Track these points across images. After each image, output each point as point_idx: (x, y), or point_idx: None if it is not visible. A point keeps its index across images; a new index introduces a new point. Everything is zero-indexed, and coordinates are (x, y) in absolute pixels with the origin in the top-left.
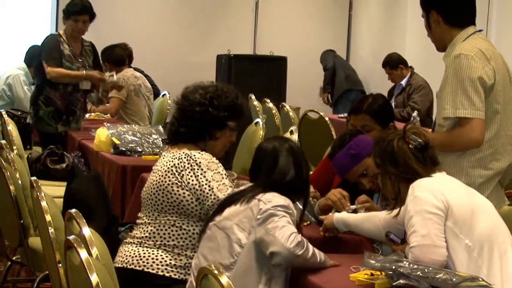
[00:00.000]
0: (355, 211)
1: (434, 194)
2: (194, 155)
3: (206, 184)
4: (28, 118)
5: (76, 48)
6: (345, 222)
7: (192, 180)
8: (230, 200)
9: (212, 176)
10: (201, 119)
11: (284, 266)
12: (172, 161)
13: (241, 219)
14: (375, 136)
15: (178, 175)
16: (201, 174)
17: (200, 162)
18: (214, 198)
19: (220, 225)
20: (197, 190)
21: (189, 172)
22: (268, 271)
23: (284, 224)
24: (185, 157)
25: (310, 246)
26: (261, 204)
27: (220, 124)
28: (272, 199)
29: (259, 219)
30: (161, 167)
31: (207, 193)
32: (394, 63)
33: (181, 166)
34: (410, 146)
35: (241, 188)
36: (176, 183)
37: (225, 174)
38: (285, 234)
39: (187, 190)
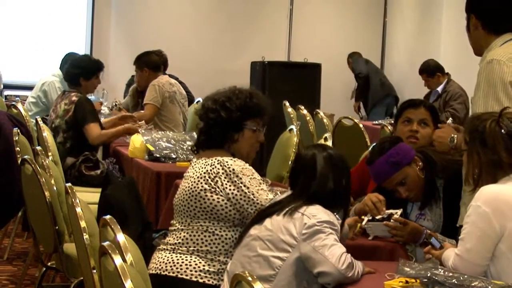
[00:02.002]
0: (390, 216)
1: (495, 213)
2: (227, 162)
3: (246, 190)
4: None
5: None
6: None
7: (229, 186)
8: (270, 210)
9: (249, 181)
10: (215, 124)
11: (332, 286)
12: (205, 167)
13: (284, 233)
14: (429, 133)
15: (212, 181)
16: (238, 180)
17: (234, 169)
18: (257, 204)
19: (261, 236)
20: (235, 196)
21: (225, 179)
22: (308, 285)
23: (333, 242)
24: (218, 164)
25: (355, 265)
26: (305, 219)
27: (236, 125)
28: (316, 214)
29: (304, 234)
30: (193, 174)
31: (249, 199)
32: (431, 71)
33: (214, 172)
34: (502, 131)
35: (280, 197)
36: (210, 189)
37: (261, 179)
38: (335, 254)
39: (222, 196)
